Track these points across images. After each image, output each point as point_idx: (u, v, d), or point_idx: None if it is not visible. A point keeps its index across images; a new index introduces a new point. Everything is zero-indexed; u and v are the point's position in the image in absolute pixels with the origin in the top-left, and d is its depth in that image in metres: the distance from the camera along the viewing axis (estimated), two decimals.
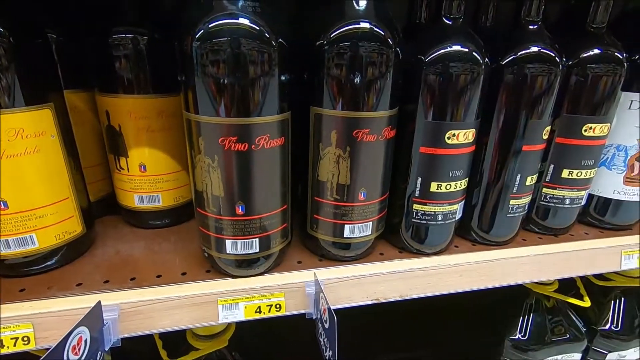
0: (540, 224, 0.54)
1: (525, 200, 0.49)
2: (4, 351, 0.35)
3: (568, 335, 0.62)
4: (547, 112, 0.44)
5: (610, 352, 0.68)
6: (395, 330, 0.79)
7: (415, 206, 0.45)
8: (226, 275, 0.42)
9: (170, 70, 0.45)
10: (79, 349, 0.33)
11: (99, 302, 0.36)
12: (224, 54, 0.32)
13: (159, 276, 0.42)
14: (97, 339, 0.36)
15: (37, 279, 0.41)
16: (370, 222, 0.44)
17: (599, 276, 0.68)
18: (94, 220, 0.48)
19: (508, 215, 0.49)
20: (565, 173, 0.50)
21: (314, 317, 0.42)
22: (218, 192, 0.37)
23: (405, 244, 0.48)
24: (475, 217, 0.50)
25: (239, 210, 0.38)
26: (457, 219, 0.47)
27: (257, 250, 0.40)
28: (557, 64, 0.42)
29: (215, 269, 0.43)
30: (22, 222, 0.38)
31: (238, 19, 0.32)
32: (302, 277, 0.42)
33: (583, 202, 0.53)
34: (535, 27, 0.43)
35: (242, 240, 0.39)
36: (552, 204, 0.52)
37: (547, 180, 0.52)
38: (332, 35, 0.36)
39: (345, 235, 0.43)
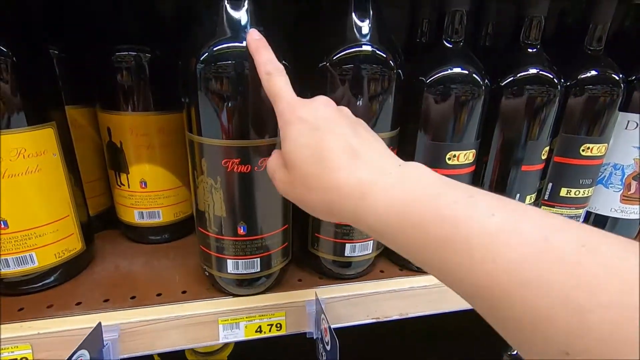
0: None
1: None
2: None
3: None
4: (545, 132, 0.45)
5: None
6: (393, 350, 0.79)
7: None
8: (226, 294, 0.42)
9: (171, 87, 0.45)
10: None
11: (99, 324, 0.35)
12: (229, 77, 0.32)
13: (159, 294, 0.42)
14: None
15: (36, 298, 0.41)
16: (371, 241, 0.44)
17: None
18: (93, 235, 0.48)
19: None
20: (563, 191, 0.51)
21: (314, 337, 0.42)
22: (220, 213, 0.37)
23: (405, 261, 0.48)
24: None
25: (241, 231, 0.38)
26: None
27: (259, 269, 0.40)
28: (556, 86, 0.43)
29: (215, 288, 0.43)
30: (22, 241, 0.38)
31: (242, 42, 0.33)
32: (302, 297, 0.42)
33: (581, 219, 0.54)
34: (534, 50, 0.44)
35: (243, 260, 0.39)
36: None
37: (545, 198, 0.52)
38: (334, 58, 0.36)
39: (346, 254, 0.44)
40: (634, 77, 0.50)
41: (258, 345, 0.60)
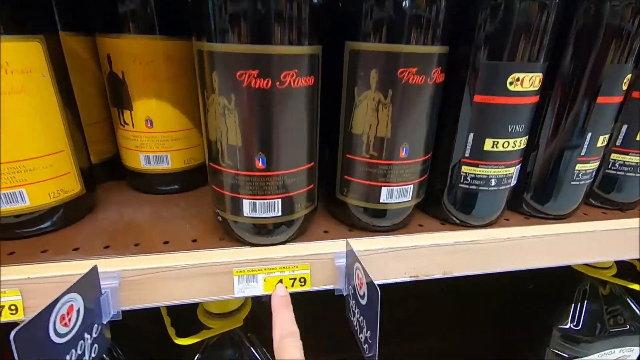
0: (603, 197, 0.47)
1: (594, 165, 0.41)
2: None
3: (628, 327, 0.55)
4: (632, 54, 0.36)
5: None
6: (428, 314, 0.72)
7: (465, 168, 0.38)
8: (243, 243, 0.36)
9: (181, 8, 0.39)
10: (70, 320, 0.27)
11: (95, 267, 0.30)
12: None
13: (166, 242, 0.37)
14: (93, 310, 0.31)
15: (30, 242, 0.36)
16: (411, 185, 0.37)
17: None
18: (95, 183, 0.43)
19: (572, 182, 0.41)
20: None
21: (344, 294, 0.36)
22: (235, 141, 0.31)
23: (448, 214, 0.41)
24: (530, 185, 0.43)
25: (259, 164, 0.32)
26: (511, 185, 0.40)
27: (279, 213, 0.34)
28: None
29: (230, 236, 0.37)
30: (9, 175, 0.33)
31: None
32: (331, 248, 0.36)
33: None
34: None
35: (262, 201, 0.33)
36: (622, 173, 0.45)
37: (617, 144, 0.44)
38: None
39: (381, 200, 0.37)
40: None
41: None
